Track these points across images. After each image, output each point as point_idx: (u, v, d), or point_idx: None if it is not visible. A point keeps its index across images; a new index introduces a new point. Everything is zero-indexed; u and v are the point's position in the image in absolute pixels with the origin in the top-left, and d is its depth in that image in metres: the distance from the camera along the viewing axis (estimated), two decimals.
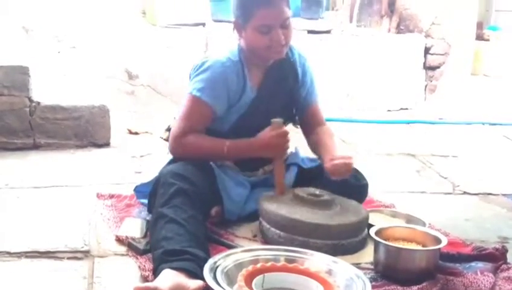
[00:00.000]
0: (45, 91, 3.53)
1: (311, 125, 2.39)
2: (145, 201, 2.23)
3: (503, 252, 1.99)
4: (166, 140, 2.34)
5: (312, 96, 2.39)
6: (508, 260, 1.98)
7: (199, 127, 2.15)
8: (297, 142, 2.45)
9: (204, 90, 2.13)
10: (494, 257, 1.97)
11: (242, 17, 2.15)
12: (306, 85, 2.36)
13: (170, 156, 2.26)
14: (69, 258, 1.94)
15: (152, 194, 2.07)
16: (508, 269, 1.92)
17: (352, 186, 2.26)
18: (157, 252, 1.78)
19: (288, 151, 2.26)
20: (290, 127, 2.41)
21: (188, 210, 1.89)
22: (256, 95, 2.22)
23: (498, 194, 2.86)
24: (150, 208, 2.11)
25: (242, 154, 2.19)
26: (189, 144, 2.13)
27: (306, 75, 2.36)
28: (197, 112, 2.15)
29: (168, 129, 2.34)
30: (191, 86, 2.18)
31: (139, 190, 2.32)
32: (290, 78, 2.30)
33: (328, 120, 2.45)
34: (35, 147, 3.28)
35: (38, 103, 3.29)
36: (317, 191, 2.13)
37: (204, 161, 2.16)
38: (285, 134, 2.13)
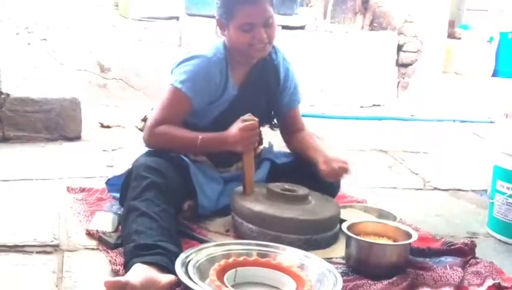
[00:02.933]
0: (15, 83, 3.48)
1: (291, 131, 2.39)
2: (117, 195, 2.21)
3: (472, 247, 2.02)
4: (142, 130, 2.33)
5: (294, 101, 2.39)
6: (477, 255, 2.01)
7: (175, 118, 2.14)
8: (271, 137, 2.46)
9: (186, 82, 2.12)
10: (463, 252, 2.00)
11: (224, 15, 2.14)
12: (288, 90, 2.36)
13: (143, 149, 2.24)
14: (38, 252, 1.91)
15: (124, 186, 2.05)
16: (477, 263, 1.95)
17: (325, 181, 2.27)
18: (128, 246, 1.77)
19: (260, 147, 2.25)
20: (267, 129, 2.43)
21: (160, 204, 1.88)
22: (237, 93, 2.22)
23: (468, 190, 2.90)
24: (122, 201, 2.09)
25: (213, 147, 2.17)
26: (162, 134, 2.11)
27: (288, 80, 2.36)
28: (175, 104, 2.14)
29: (144, 119, 2.33)
30: (173, 77, 2.16)
31: (111, 183, 2.30)
32: (272, 81, 2.31)
33: (301, 116, 2.46)
34: (5, 139, 3.22)
35: (8, 95, 3.24)
36: (291, 187, 2.13)
37: (176, 152, 2.15)
38: (252, 127, 2.09)
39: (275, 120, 2.42)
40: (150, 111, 2.30)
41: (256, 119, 2.09)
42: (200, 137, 2.11)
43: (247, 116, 2.09)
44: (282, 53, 2.35)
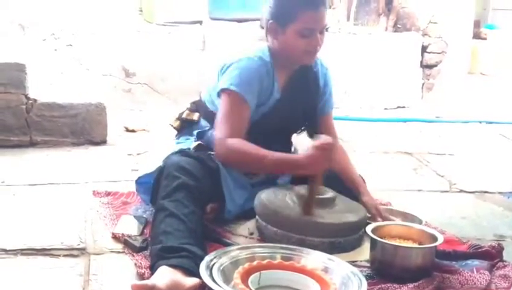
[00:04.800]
0: (42, 88, 3.53)
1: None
2: (144, 196, 2.23)
3: (499, 250, 2.00)
4: (176, 129, 2.35)
5: (328, 107, 2.40)
6: (504, 258, 1.98)
7: (241, 125, 2.10)
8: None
9: (240, 85, 2.10)
10: (490, 255, 1.97)
11: (282, 18, 2.12)
12: (325, 95, 2.37)
13: (175, 146, 2.26)
14: (65, 255, 1.94)
15: (155, 185, 2.06)
16: (504, 267, 1.92)
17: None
18: (154, 247, 1.78)
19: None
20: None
21: (189, 206, 1.89)
22: (280, 97, 2.22)
23: (494, 192, 2.87)
24: (153, 199, 2.09)
25: (283, 169, 2.12)
26: (237, 149, 2.05)
27: (327, 86, 2.37)
28: (236, 109, 2.10)
29: (179, 118, 2.35)
30: (226, 81, 2.13)
31: (140, 181, 2.28)
32: (312, 87, 2.31)
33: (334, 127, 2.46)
34: (32, 144, 3.27)
35: (35, 101, 3.29)
36: (321, 189, 2.11)
37: (247, 170, 2.16)
38: (330, 148, 1.99)
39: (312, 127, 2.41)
40: (185, 110, 2.34)
41: (330, 138, 2.03)
42: (271, 157, 2.04)
43: (322, 136, 2.03)
44: (320, 59, 2.35)
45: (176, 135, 2.39)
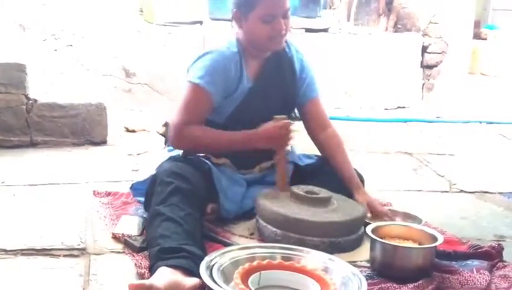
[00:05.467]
0: (42, 89, 3.53)
1: (315, 125, 2.36)
2: (142, 199, 2.23)
3: (499, 250, 2.00)
4: (163, 135, 2.35)
5: (312, 91, 2.37)
6: (504, 258, 1.98)
7: (200, 116, 2.15)
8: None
9: (203, 77, 2.13)
10: (490, 255, 1.97)
11: (244, 6, 2.14)
12: (304, 80, 2.35)
13: (166, 153, 2.26)
14: (65, 255, 1.94)
15: (149, 192, 2.07)
16: (504, 267, 1.92)
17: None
18: (153, 249, 1.79)
19: (289, 145, 2.26)
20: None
21: (185, 208, 1.89)
22: (252, 85, 2.22)
23: (494, 193, 2.86)
24: (147, 206, 2.11)
25: (244, 145, 2.18)
26: (191, 135, 2.12)
27: (304, 71, 2.35)
28: (197, 101, 2.14)
29: (165, 124, 2.35)
30: (190, 74, 2.18)
31: (135, 188, 2.32)
32: (287, 73, 2.31)
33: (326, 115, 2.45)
34: (32, 144, 3.27)
35: (35, 101, 3.29)
36: (315, 189, 2.13)
37: (206, 152, 2.17)
38: (287, 125, 2.13)
39: (296, 113, 2.41)
40: (170, 116, 2.31)
41: (289, 120, 2.14)
42: (229, 136, 2.14)
43: (280, 116, 2.15)
44: (295, 46, 2.35)
45: (165, 142, 2.39)
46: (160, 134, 2.38)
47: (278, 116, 2.15)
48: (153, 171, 2.12)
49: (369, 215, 2.19)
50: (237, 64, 2.19)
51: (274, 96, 2.26)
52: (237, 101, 2.21)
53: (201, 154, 2.19)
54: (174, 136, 2.14)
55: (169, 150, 2.32)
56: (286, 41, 2.29)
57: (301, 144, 2.45)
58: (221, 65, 2.15)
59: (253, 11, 2.12)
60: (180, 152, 2.23)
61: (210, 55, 2.17)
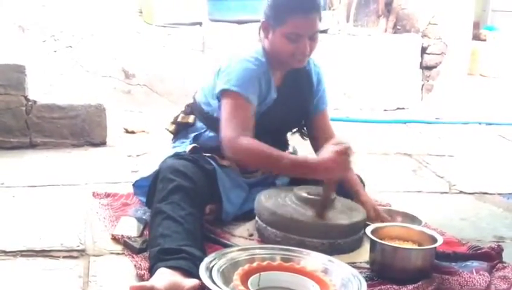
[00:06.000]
0: (42, 90, 3.54)
1: (321, 136, 2.33)
2: (143, 199, 2.23)
3: (499, 251, 2.00)
4: (172, 132, 2.35)
5: (323, 104, 2.38)
6: (504, 259, 1.98)
7: (247, 125, 2.08)
8: (293, 141, 2.46)
9: (241, 85, 2.09)
10: (489, 256, 1.97)
11: (273, 19, 2.12)
12: (318, 93, 2.36)
13: (170, 150, 2.26)
14: (64, 257, 1.94)
15: (151, 188, 2.06)
16: (504, 268, 1.92)
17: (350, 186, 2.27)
18: (153, 250, 1.78)
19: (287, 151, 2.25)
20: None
21: (186, 207, 1.89)
22: (276, 97, 2.21)
23: (494, 194, 2.87)
24: (149, 202, 2.10)
25: (299, 172, 2.09)
26: (250, 148, 2.03)
27: (320, 84, 2.36)
28: (240, 108, 2.08)
29: (174, 122, 2.35)
30: (225, 82, 2.11)
31: (138, 185, 2.31)
32: (305, 86, 2.31)
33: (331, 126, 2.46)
34: (32, 146, 3.27)
35: (35, 102, 3.28)
36: (316, 190, 2.12)
37: (259, 168, 2.17)
38: (347, 152, 1.94)
39: (305, 128, 2.41)
40: (180, 113, 2.34)
41: (348, 142, 1.97)
42: (287, 158, 2.06)
43: (340, 139, 1.99)
44: (313, 58, 2.34)
45: (172, 139, 2.39)
46: (170, 131, 2.38)
47: (336, 140, 1.98)
48: (156, 168, 2.11)
49: (370, 216, 2.18)
50: (266, 74, 2.17)
51: (293, 107, 2.26)
52: (261, 111, 2.18)
53: (207, 154, 2.17)
54: (231, 149, 2.06)
55: (174, 146, 2.32)
56: None
57: (302, 146, 2.44)
58: (255, 74, 2.12)
59: (281, 27, 2.09)
60: (185, 148, 2.22)
61: (241, 64, 2.13)
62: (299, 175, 2.14)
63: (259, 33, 2.21)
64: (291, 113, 2.26)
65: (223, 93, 2.12)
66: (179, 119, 2.35)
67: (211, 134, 2.22)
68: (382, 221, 2.15)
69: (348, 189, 2.26)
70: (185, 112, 2.36)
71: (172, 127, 2.37)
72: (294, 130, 2.41)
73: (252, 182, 2.29)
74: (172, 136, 2.40)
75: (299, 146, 2.45)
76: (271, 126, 2.19)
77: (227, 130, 2.06)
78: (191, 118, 2.32)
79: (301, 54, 2.11)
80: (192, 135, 2.28)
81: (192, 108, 2.34)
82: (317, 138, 2.36)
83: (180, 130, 2.35)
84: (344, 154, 1.94)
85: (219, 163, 2.18)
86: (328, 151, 1.95)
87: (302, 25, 2.08)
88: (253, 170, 2.30)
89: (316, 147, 2.36)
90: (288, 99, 2.24)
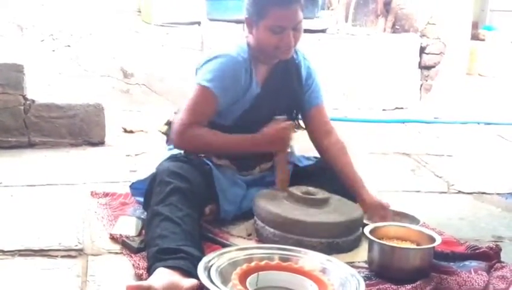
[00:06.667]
0: (40, 89, 3.53)
1: (319, 132, 2.36)
2: (141, 199, 2.23)
3: (497, 251, 2.00)
4: (165, 134, 2.35)
5: (316, 98, 2.38)
6: (502, 259, 1.98)
7: (203, 119, 2.16)
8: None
9: (213, 81, 2.13)
10: (488, 256, 1.97)
11: (255, 14, 2.14)
12: (309, 87, 2.36)
13: (166, 153, 2.26)
14: (62, 256, 1.94)
15: (148, 191, 2.07)
16: (502, 267, 1.92)
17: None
18: (151, 250, 1.78)
19: (290, 145, 2.27)
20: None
21: (184, 208, 1.89)
22: (260, 91, 2.23)
23: (492, 193, 2.87)
24: (146, 206, 2.10)
25: (246, 148, 2.21)
26: (195, 136, 2.13)
27: (310, 78, 2.36)
28: (203, 103, 2.15)
29: (167, 123, 2.35)
30: (200, 76, 2.17)
31: (135, 187, 2.31)
32: (294, 80, 2.31)
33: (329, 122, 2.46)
34: (30, 145, 3.27)
35: (33, 101, 3.28)
36: (312, 190, 2.13)
37: (207, 153, 2.17)
38: (288, 126, 2.17)
39: (299, 121, 2.41)
40: (173, 115, 2.32)
41: (290, 120, 2.18)
42: (232, 138, 2.16)
43: (281, 117, 2.17)
44: (302, 52, 2.36)
45: (166, 141, 2.39)
46: (163, 133, 2.39)
47: (278, 117, 2.18)
48: (152, 170, 2.12)
49: (367, 213, 2.17)
50: (247, 70, 2.18)
51: (281, 102, 2.27)
52: (245, 105, 2.21)
53: (203, 155, 2.19)
54: (176, 135, 2.15)
55: (170, 149, 2.32)
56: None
57: (300, 145, 2.44)
58: (232, 71, 2.15)
59: (263, 20, 2.11)
60: (181, 151, 2.22)
61: (221, 59, 2.16)
62: (249, 150, 2.22)
63: (243, 29, 2.24)
64: (280, 107, 2.27)
65: (195, 87, 2.17)
66: (171, 120, 2.35)
67: None
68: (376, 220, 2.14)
69: (352, 188, 2.25)
70: (178, 113, 2.36)
71: (165, 128, 2.37)
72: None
73: (249, 180, 2.29)
74: (165, 137, 2.40)
75: (300, 144, 2.45)
76: (259, 119, 2.20)
77: (180, 119, 2.14)
78: None
79: (286, 45, 2.13)
80: None
81: None
82: (314, 132, 2.37)
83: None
84: (285, 128, 2.16)
85: (215, 163, 2.18)
86: (270, 126, 2.16)
87: (284, 17, 2.10)
88: (250, 167, 2.31)
89: (314, 142, 2.38)
90: (275, 93, 2.25)
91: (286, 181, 2.23)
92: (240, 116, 2.22)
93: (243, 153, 2.23)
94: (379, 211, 2.18)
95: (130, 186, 2.34)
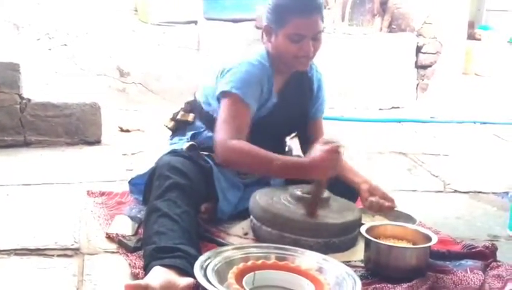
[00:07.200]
0: (36, 88, 3.52)
1: (311, 139, 2.31)
2: (139, 197, 2.23)
3: (493, 250, 2.00)
4: (171, 129, 2.34)
5: (320, 112, 2.40)
6: (498, 258, 1.99)
7: (243, 128, 2.08)
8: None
9: (241, 88, 2.09)
10: (484, 255, 1.98)
11: (275, 22, 2.12)
12: (317, 100, 2.37)
13: (168, 146, 2.26)
14: (58, 255, 1.93)
15: (147, 185, 2.06)
16: (498, 267, 1.92)
17: (345, 185, 2.27)
18: (148, 248, 1.78)
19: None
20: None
21: (182, 205, 1.88)
22: (277, 101, 2.22)
23: (488, 193, 2.87)
24: (145, 199, 2.09)
25: (290, 173, 2.09)
26: (240, 151, 2.03)
27: (320, 91, 2.37)
28: (237, 111, 2.09)
29: (173, 118, 2.34)
30: (227, 84, 2.11)
31: (134, 183, 2.30)
32: (307, 91, 2.32)
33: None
34: (26, 144, 3.26)
35: (29, 100, 3.27)
36: (310, 190, 2.12)
37: (251, 171, 2.17)
38: (338, 149, 1.95)
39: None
40: (179, 110, 2.33)
41: (338, 140, 1.97)
42: (278, 161, 2.02)
43: (329, 138, 1.99)
44: (316, 65, 2.35)
45: (170, 136, 2.39)
46: (169, 128, 2.37)
47: (327, 139, 1.98)
48: (152, 165, 2.11)
49: (368, 198, 2.16)
50: (269, 78, 2.17)
51: (293, 113, 2.27)
52: (262, 115, 2.19)
53: (205, 153, 2.17)
54: (222, 152, 2.06)
55: (171, 143, 2.32)
56: None
57: (297, 145, 2.44)
58: (257, 77, 2.13)
59: (283, 29, 2.10)
60: (182, 146, 2.21)
61: (245, 66, 2.13)
62: (291, 176, 2.13)
63: (261, 37, 2.22)
64: (291, 117, 2.27)
65: (224, 95, 2.12)
66: (179, 117, 2.34)
67: (209, 134, 2.20)
68: (379, 208, 2.14)
69: (343, 175, 2.23)
70: (185, 110, 2.35)
71: (171, 124, 2.36)
72: (293, 134, 2.42)
73: (247, 183, 2.29)
74: (170, 132, 2.40)
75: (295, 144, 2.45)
76: (271, 130, 2.20)
77: (221, 133, 2.06)
78: (190, 116, 2.31)
79: (305, 54, 2.12)
80: (190, 133, 2.28)
81: (192, 106, 2.33)
82: (308, 141, 2.34)
83: (178, 127, 2.35)
84: (334, 152, 1.94)
85: (216, 162, 2.17)
86: (318, 150, 1.95)
87: (304, 26, 2.09)
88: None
89: (304, 144, 2.37)
90: (289, 104, 2.24)
91: (317, 209, 2.02)
92: (253, 126, 2.15)
93: (282, 176, 2.18)
94: (377, 191, 2.18)
95: (129, 181, 2.33)
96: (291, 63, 2.16)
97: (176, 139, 2.33)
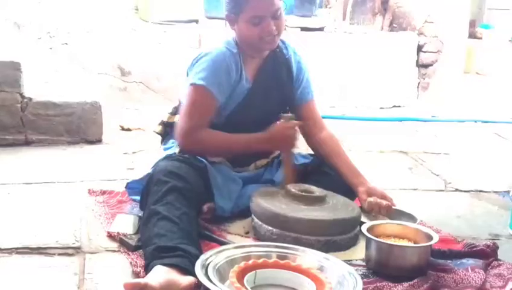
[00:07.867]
0: (37, 87, 3.52)
1: (311, 128, 2.37)
2: (137, 198, 2.23)
3: (494, 249, 2.00)
4: (160, 134, 2.35)
5: (308, 94, 2.39)
6: (499, 257, 1.99)
7: (207, 119, 2.17)
8: None
9: (207, 78, 2.14)
10: (485, 254, 1.98)
11: (233, 10, 2.17)
12: (300, 82, 2.36)
13: (162, 152, 2.26)
14: (60, 254, 1.93)
15: (144, 191, 2.07)
16: (499, 265, 1.93)
17: (345, 183, 2.27)
18: (149, 248, 1.78)
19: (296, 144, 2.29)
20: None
21: (181, 207, 1.89)
22: (251, 86, 2.23)
23: (489, 191, 2.87)
24: (142, 206, 2.10)
25: (254, 148, 2.23)
26: (201, 139, 2.15)
27: (301, 72, 2.36)
28: (202, 102, 2.16)
29: (161, 123, 2.36)
30: (193, 76, 2.18)
31: (130, 187, 2.32)
32: (284, 74, 2.32)
33: (321, 117, 2.46)
34: (27, 143, 3.26)
35: (30, 99, 3.27)
36: (310, 188, 2.13)
37: (215, 155, 2.19)
38: (295, 125, 2.19)
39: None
40: (166, 115, 2.34)
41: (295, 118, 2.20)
42: (242, 138, 2.18)
43: (287, 115, 2.21)
44: (293, 47, 2.37)
45: (162, 141, 2.40)
46: (157, 133, 2.39)
47: (285, 115, 2.20)
48: (148, 170, 2.12)
49: (367, 200, 2.17)
50: (237, 64, 2.20)
51: (272, 97, 2.28)
52: (236, 102, 2.22)
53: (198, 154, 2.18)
54: (184, 141, 2.15)
55: (166, 149, 2.32)
56: (284, 42, 2.31)
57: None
58: (224, 65, 2.16)
59: (241, 14, 2.15)
60: (176, 150, 2.22)
61: (210, 56, 2.17)
62: (256, 150, 2.26)
63: (226, 26, 2.26)
64: (271, 102, 2.28)
65: (190, 86, 2.17)
66: (165, 120, 2.36)
67: None
68: (378, 209, 2.15)
69: (349, 179, 2.26)
70: (171, 113, 2.37)
71: (159, 128, 2.39)
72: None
73: (245, 176, 2.30)
74: (160, 138, 2.42)
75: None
76: (252, 115, 2.22)
77: (182, 122, 2.15)
78: (176, 118, 2.32)
79: (268, 34, 2.15)
80: None
81: (178, 109, 2.34)
82: (308, 129, 2.37)
83: (167, 131, 2.37)
84: (291, 127, 2.17)
85: (210, 160, 2.18)
86: (276, 126, 2.17)
87: (260, 7, 2.13)
88: (245, 164, 2.32)
89: (307, 136, 2.40)
90: (265, 88, 2.27)
91: (291, 179, 2.23)
92: (231, 114, 2.22)
93: (251, 152, 2.25)
94: (375, 192, 2.20)
95: (126, 186, 2.35)
96: (257, 45, 2.19)
97: (169, 143, 2.33)
